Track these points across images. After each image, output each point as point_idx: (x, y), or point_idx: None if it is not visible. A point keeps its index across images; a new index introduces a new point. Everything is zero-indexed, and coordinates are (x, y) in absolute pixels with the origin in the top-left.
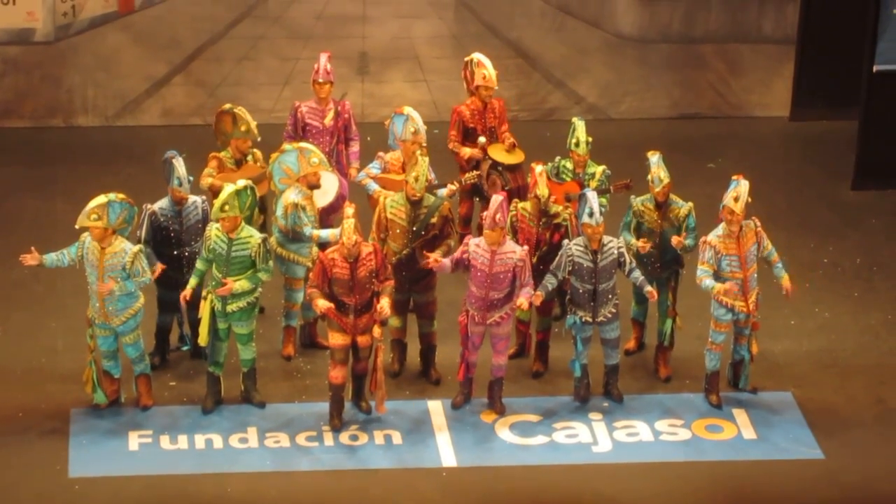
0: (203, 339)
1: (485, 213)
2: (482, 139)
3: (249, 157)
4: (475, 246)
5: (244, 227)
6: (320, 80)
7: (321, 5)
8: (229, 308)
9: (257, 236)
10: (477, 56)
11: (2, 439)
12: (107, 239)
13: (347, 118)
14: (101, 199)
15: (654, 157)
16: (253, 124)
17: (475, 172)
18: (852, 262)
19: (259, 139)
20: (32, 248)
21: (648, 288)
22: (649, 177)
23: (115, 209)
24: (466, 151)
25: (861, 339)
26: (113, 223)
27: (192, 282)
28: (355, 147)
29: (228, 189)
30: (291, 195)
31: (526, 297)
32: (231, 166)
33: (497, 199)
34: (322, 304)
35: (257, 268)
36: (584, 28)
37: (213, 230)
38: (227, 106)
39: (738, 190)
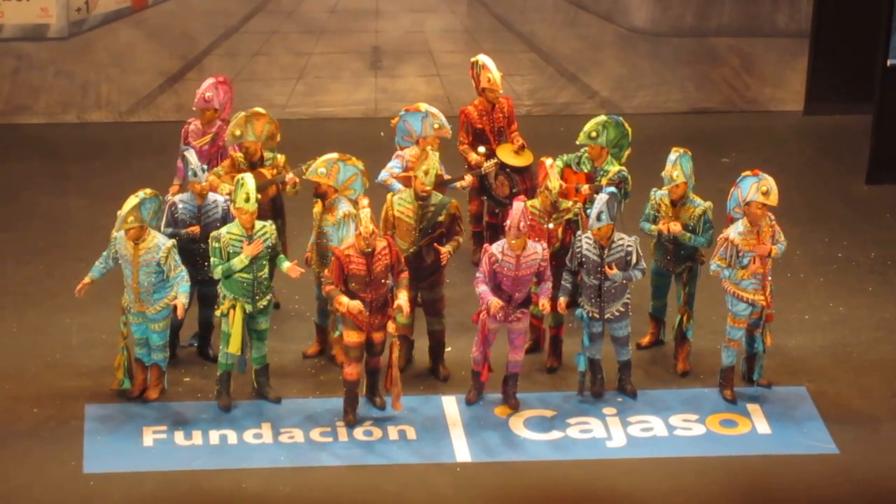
0: (237, 347)
1: (507, 223)
2: (481, 149)
3: (270, 161)
4: (500, 253)
5: (257, 221)
6: (194, 108)
7: (334, 0)
8: (260, 304)
9: (268, 223)
10: (482, 59)
11: (17, 435)
12: (141, 236)
13: (222, 145)
14: (132, 201)
15: (673, 156)
16: (261, 135)
17: (494, 161)
18: (867, 257)
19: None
20: (78, 289)
21: (636, 275)
22: (663, 173)
23: (147, 206)
24: (473, 157)
25: (876, 334)
26: (146, 220)
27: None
28: None
29: (251, 182)
30: (343, 206)
31: (546, 298)
32: (244, 167)
33: (519, 206)
34: (353, 304)
35: (276, 252)
36: (597, 22)
37: (226, 236)
38: (262, 111)
39: (767, 184)
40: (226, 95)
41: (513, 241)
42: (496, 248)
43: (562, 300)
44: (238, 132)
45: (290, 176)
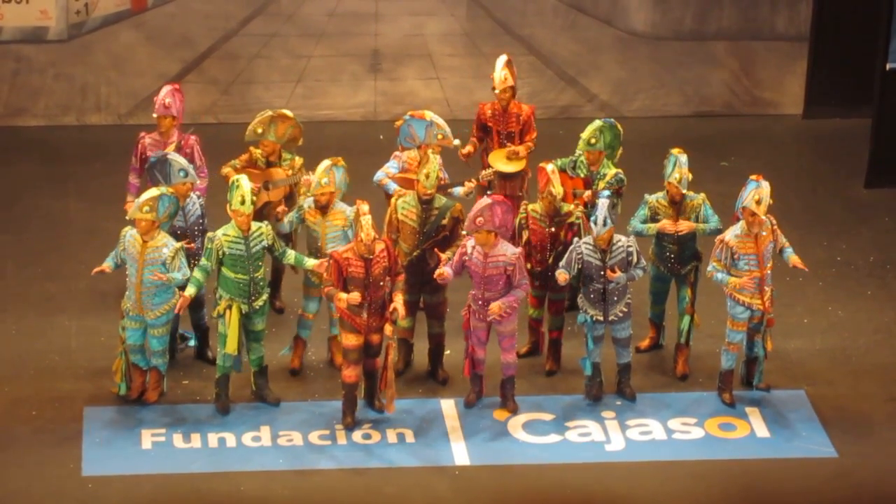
0: (234, 347)
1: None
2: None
3: (287, 161)
4: (471, 247)
5: (252, 222)
6: (154, 115)
7: (334, 3)
8: (256, 304)
9: (264, 223)
10: (500, 58)
11: (15, 438)
12: (151, 232)
13: (190, 153)
14: (153, 191)
15: (684, 157)
16: (277, 133)
17: (491, 170)
18: (865, 260)
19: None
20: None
21: (638, 274)
22: (677, 176)
23: (165, 202)
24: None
25: (874, 338)
26: (160, 216)
27: (191, 291)
28: (202, 184)
29: (246, 184)
30: (346, 208)
31: (499, 304)
32: (261, 164)
33: (484, 201)
34: (352, 296)
35: (282, 251)
36: (597, 25)
37: (222, 237)
38: (289, 113)
39: (761, 193)
40: (181, 103)
41: (474, 235)
42: (471, 241)
43: (561, 272)
44: (260, 130)
45: (305, 178)
